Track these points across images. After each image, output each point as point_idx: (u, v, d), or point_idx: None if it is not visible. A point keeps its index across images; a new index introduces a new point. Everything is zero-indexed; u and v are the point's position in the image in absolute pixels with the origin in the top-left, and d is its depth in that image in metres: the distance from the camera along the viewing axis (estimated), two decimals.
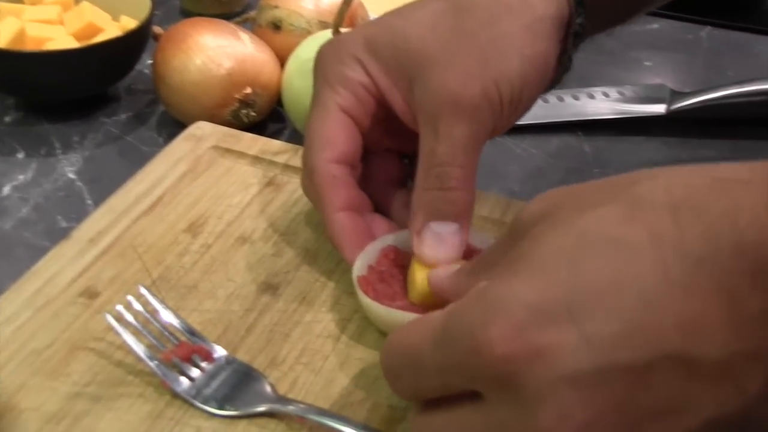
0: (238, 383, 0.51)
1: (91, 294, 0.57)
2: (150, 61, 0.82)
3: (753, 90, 0.85)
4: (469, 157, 0.53)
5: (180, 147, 0.70)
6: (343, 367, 0.53)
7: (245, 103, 0.76)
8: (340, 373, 0.52)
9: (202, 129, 0.72)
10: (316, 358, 0.53)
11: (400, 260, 0.56)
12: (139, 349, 0.51)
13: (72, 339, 0.53)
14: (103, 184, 0.72)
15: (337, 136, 0.57)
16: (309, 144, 0.57)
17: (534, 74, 0.55)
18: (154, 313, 0.53)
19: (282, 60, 0.78)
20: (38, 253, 0.61)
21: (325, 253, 0.60)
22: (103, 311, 0.54)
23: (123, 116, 0.82)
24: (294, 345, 0.54)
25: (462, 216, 0.53)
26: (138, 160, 0.74)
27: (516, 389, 0.36)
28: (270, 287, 0.58)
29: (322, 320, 0.56)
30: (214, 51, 0.75)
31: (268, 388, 0.50)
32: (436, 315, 0.40)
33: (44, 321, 0.54)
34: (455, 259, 0.53)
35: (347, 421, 0.48)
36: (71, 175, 0.74)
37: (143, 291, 0.54)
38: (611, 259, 0.36)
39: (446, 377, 0.39)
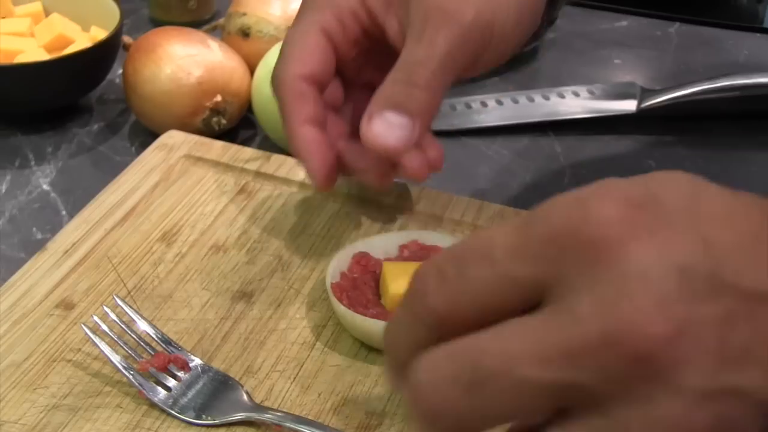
0: (215, 392, 0.51)
1: (67, 305, 0.57)
2: (121, 71, 0.83)
3: (723, 86, 0.86)
4: (444, 68, 0.54)
5: (152, 157, 0.70)
6: (319, 374, 0.53)
7: (216, 111, 0.76)
8: (315, 380, 0.53)
9: (173, 138, 0.72)
10: (292, 365, 0.53)
11: (372, 266, 0.57)
12: (115, 359, 0.51)
13: (49, 351, 0.54)
14: (77, 195, 0.72)
15: (310, 55, 0.57)
16: (281, 58, 0.58)
17: (528, 15, 0.57)
18: (130, 323, 0.54)
19: (251, 67, 0.78)
20: (14, 265, 0.61)
21: (298, 260, 0.61)
22: (79, 323, 0.55)
23: (95, 126, 0.82)
24: (269, 353, 0.54)
25: (419, 115, 0.53)
26: (111, 170, 0.74)
27: (610, 266, 0.30)
28: (245, 295, 0.58)
29: (296, 327, 0.56)
30: (183, 60, 0.75)
31: (245, 397, 0.51)
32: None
33: (22, 334, 0.55)
34: (397, 151, 0.54)
35: (324, 428, 0.48)
36: (45, 187, 0.74)
37: (119, 301, 0.55)
38: (718, 190, 0.33)
39: (518, 266, 0.32)
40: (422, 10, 0.54)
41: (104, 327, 0.53)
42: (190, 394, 0.51)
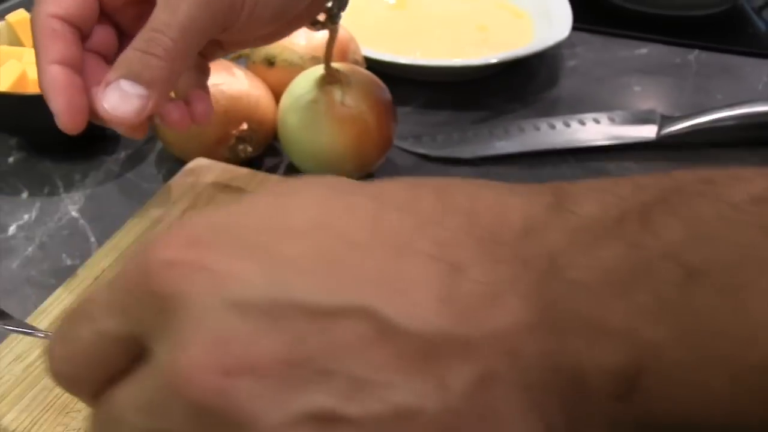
0: None
1: None
2: None
3: (743, 113, 0.87)
4: (186, 36, 0.54)
5: (179, 184, 0.71)
6: None
7: (242, 138, 0.77)
8: None
9: (200, 165, 0.73)
10: None
11: None
12: None
13: None
14: (106, 222, 0.74)
15: None
16: None
17: None
18: None
19: (277, 95, 0.79)
20: (45, 291, 0.63)
21: None
22: None
23: (123, 154, 0.84)
24: None
25: (155, 85, 0.54)
26: (139, 196, 0.75)
27: (176, 314, 0.28)
28: None
29: None
30: (210, 88, 0.76)
31: None
32: None
33: None
34: (130, 123, 0.54)
35: None
36: (74, 214, 0.76)
37: None
38: (319, 199, 0.31)
39: (110, 321, 0.30)
40: None
41: None
42: None
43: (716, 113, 0.87)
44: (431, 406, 0.27)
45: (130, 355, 0.30)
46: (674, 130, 0.86)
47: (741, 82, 1.01)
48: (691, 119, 0.87)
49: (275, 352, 0.27)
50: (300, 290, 0.28)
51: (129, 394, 0.30)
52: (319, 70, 0.74)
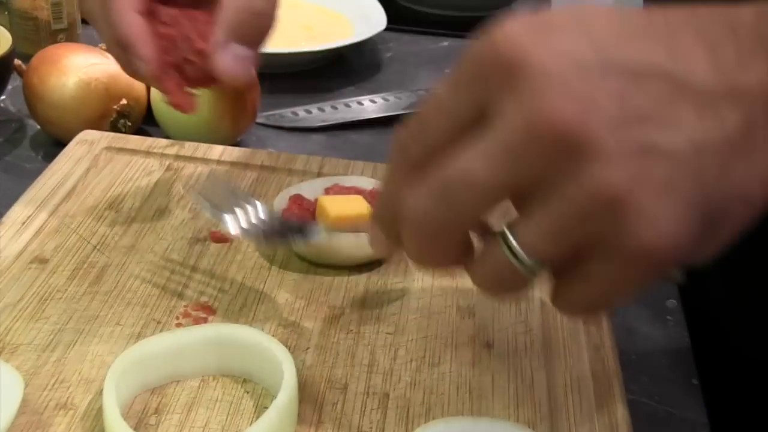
0: None
1: (41, 260, 0.64)
2: (3, 97, 0.90)
3: None
4: None
5: (75, 150, 0.78)
6: (282, 286, 0.63)
7: (122, 113, 0.85)
8: (279, 291, 0.63)
9: (90, 135, 0.80)
10: (257, 282, 0.63)
11: (306, 205, 0.67)
12: None
13: (39, 292, 0.61)
14: None
15: None
16: None
17: None
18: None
19: None
20: None
21: None
22: (57, 272, 0.63)
23: None
24: (235, 276, 0.64)
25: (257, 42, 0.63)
26: (25, 174, 0.81)
27: (523, 77, 0.37)
28: (198, 240, 0.67)
29: (251, 258, 0.66)
30: (88, 68, 0.84)
31: None
32: None
33: (6, 283, 0.62)
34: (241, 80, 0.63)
35: None
36: None
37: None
38: (611, 10, 0.40)
39: (455, 97, 0.40)
40: None
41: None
42: None
43: None
44: (712, 136, 0.38)
45: (474, 120, 0.39)
46: None
47: None
48: None
49: (611, 96, 0.37)
50: (616, 51, 0.38)
51: (476, 152, 0.39)
52: None
